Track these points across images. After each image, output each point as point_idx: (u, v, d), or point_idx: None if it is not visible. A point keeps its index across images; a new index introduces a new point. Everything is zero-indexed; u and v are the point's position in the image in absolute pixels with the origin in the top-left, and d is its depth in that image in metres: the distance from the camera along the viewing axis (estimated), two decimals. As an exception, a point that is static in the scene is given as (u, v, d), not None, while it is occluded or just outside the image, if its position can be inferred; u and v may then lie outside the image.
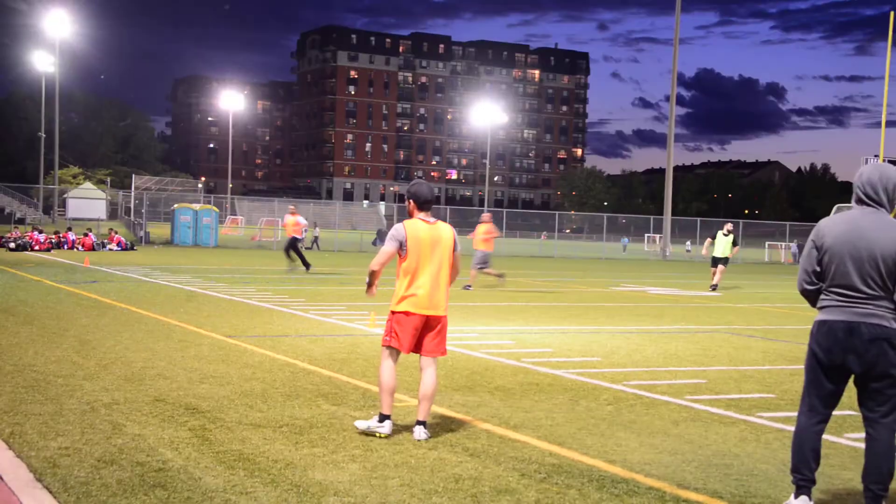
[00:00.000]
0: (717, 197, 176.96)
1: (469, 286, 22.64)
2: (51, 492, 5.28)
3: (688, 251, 69.80)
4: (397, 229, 6.97)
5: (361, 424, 6.93)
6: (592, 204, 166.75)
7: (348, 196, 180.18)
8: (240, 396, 8.32)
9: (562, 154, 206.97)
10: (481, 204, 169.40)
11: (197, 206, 51.31)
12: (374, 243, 53.23)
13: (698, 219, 67.71)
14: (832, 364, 5.18)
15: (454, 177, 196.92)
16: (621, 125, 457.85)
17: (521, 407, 8.38)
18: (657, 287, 28.53)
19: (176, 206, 51.42)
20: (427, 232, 6.97)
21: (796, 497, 5.37)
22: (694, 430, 7.69)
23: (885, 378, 5.05)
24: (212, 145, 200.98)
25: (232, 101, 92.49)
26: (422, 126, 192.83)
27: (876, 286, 5.08)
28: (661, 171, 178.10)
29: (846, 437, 7.65)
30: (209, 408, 7.78)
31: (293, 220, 28.15)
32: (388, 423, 6.90)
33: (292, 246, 27.94)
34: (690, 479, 6.16)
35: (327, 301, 18.59)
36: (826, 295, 5.27)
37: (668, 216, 62.71)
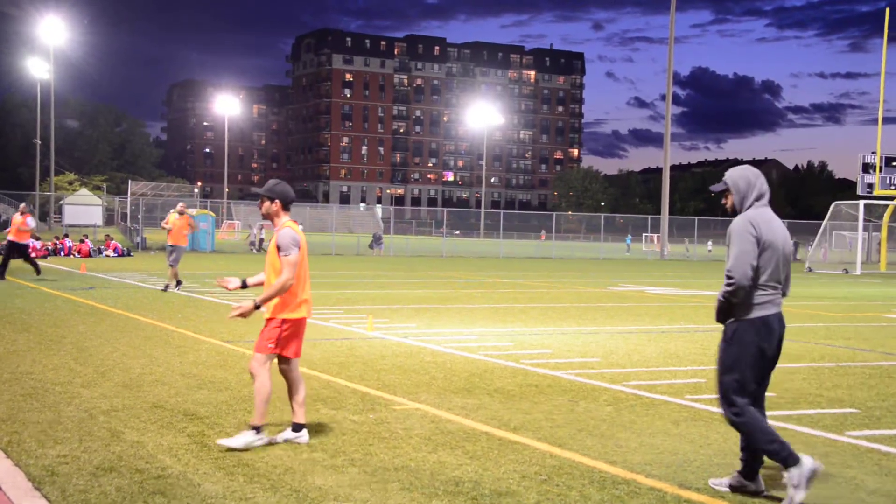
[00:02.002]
0: (714, 196, 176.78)
1: (169, 285, 20.63)
2: (49, 500, 5.26)
3: (686, 251, 69.67)
4: (292, 234, 6.66)
5: (236, 442, 6.51)
6: (590, 204, 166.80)
7: (345, 199, 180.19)
8: (238, 402, 8.31)
9: (558, 154, 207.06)
10: (478, 206, 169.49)
11: (193, 212, 51.26)
12: (370, 246, 53.15)
13: (696, 218, 67.77)
14: (772, 356, 5.69)
15: (451, 179, 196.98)
16: (617, 125, 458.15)
17: (521, 409, 8.37)
18: (656, 287, 28.54)
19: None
20: (302, 234, 6.89)
21: (799, 462, 5.45)
22: (695, 429, 7.69)
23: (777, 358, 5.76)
24: (207, 150, 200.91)
25: (227, 106, 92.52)
26: (418, 128, 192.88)
27: (783, 279, 5.74)
28: (658, 171, 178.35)
29: (847, 434, 7.64)
30: (208, 413, 7.76)
31: (20, 219, 23.20)
32: (264, 433, 6.65)
33: (15, 253, 23.20)
34: (692, 479, 6.16)
35: (325, 304, 18.57)
36: (763, 290, 5.60)
37: (665, 216, 62.73)
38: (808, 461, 5.49)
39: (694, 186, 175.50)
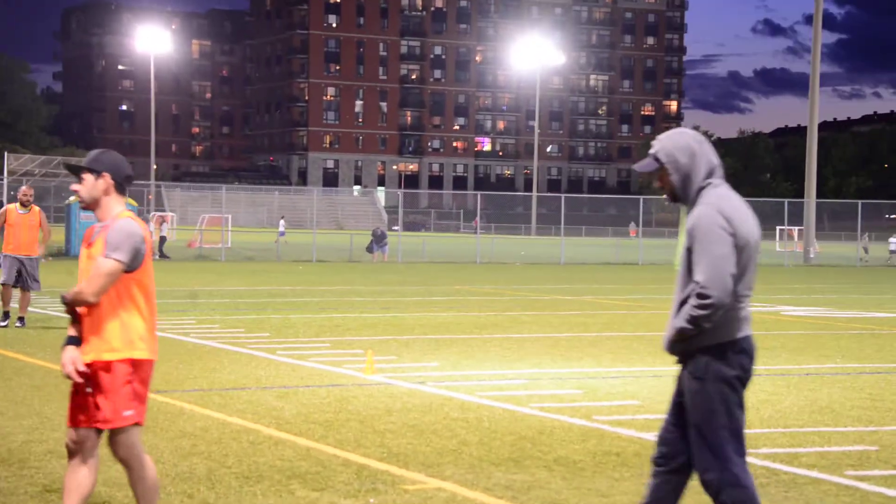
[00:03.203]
0: (888, 167, 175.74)
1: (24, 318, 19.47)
2: None
3: (865, 253, 69.03)
4: (134, 230, 6.43)
5: None
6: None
7: (330, 180, 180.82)
8: (174, 481, 8.34)
9: (648, 109, 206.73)
10: (527, 187, 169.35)
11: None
12: (369, 249, 53.29)
13: (859, 201, 67.32)
14: (746, 384, 6.03)
15: (487, 148, 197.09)
16: (737, 63, 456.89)
17: (595, 489, 8.37)
18: (797, 306, 28.40)
19: (72, 198, 51.63)
20: (148, 233, 6.67)
21: None
22: (857, 519, 7.65)
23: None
24: (124, 107, 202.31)
25: (154, 41, 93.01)
26: (437, 73, 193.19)
27: (753, 282, 6.06)
28: (800, 131, 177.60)
29: None
30: (128, 500, 7.76)
31: None
32: None
33: None
34: None
35: (302, 336, 18.58)
36: (740, 302, 5.93)
37: (811, 199, 62.39)
38: None
39: (857, 154, 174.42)
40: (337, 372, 14.35)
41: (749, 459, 9.37)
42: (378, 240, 52.87)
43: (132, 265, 6.40)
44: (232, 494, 7.94)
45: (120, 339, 6.42)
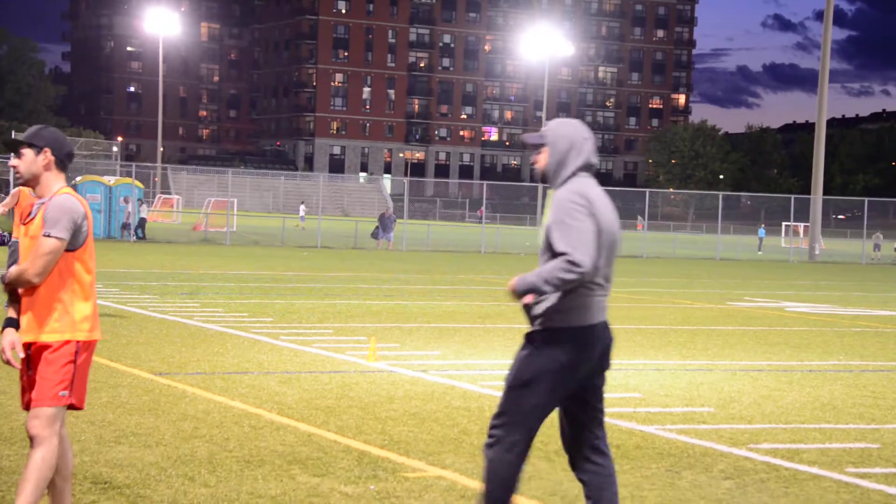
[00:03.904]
0: (895, 166, 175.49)
1: None
2: None
3: (876, 251, 68.84)
4: (73, 205, 6.26)
5: None
6: (702, 177, 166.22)
7: (337, 166, 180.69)
8: (175, 464, 8.36)
9: (656, 102, 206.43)
10: (534, 178, 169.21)
11: (111, 180, 51.58)
12: (374, 235, 53.27)
13: (866, 199, 67.35)
14: (589, 374, 6.27)
15: (494, 137, 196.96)
16: (746, 58, 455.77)
17: (596, 481, 8.35)
18: (801, 303, 28.39)
19: (79, 179, 51.66)
20: (88, 209, 6.52)
21: None
22: (857, 517, 7.66)
23: (607, 368, 6.41)
24: (132, 89, 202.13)
25: (162, 24, 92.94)
26: (446, 61, 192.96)
27: (610, 275, 6.29)
28: (808, 127, 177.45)
29: None
30: (129, 481, 7.81)
31: None
32: None
33: None
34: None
35: (306, 321, 18.61)
36: (589, 289, 6.11)
37: (818, 195, 62.36)
38: None
39: (865, 152, 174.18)
40: (339, 358, 14.37)
41: (750, 454, 9.42)
42: (384, 226, 52.78)
43: (74, 243, 6.23)
44: (233, 478, 7.96)
45: (61, 319, 6.23)
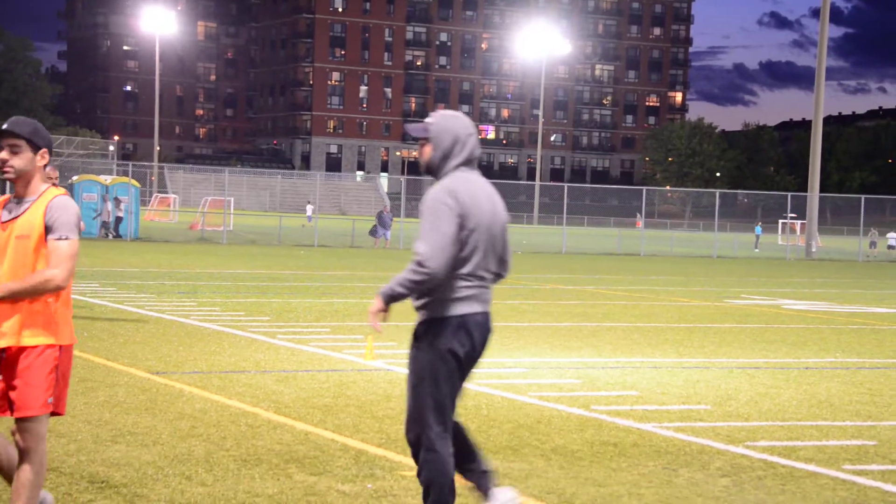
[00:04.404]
0: (892, 162, 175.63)
1: None
2: None
3: (872, 248, 68.80)
4: (76, 206, 6.16)
5: None
6: (699, 175, 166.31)
7: (334, 164, 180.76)
8: (172, 463, 8.36)
9: (653, 100, 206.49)
10: (531, 176, 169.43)
11: (108, 180, 51.55)
12: (372, 233, 53.24)
13: (862, 196, 67.35)
14: (469, 364, 6.44)
15: (491, 136, 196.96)
16: (743, 55, 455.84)
17: (592, 478, 8.38)
18: (798, 300, 28.42)
19: (75, 178, 51.68)
20: None
21: None
22: (853, 514, 7.66)
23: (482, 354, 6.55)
24: (129, 88, 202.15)
25: (159, 22, 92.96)
26: (443, 60, 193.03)
27: (496, 266, 6.50)
28: (805, 125, 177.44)
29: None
30: (126, 480, 7.80)
31: None
32: None
33: None
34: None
35: (303, 320, 18.60)
36: (465, 281, 6.31)
37: (815, 192, 62.36)
38: None
39: (861, 149, 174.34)
40: (336, 357, 14.37)
41: (747, 452, 9.42)
42: (382, 224, 52.74)
43: None
44: (230, 477, 7.96)
45: (45, 324, 6.01)
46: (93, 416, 9.96)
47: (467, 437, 6.67)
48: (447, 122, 6.39)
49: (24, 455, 6.02)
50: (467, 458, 6.59)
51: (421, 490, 6.39)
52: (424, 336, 6.31)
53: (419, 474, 6.35)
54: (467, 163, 6.38)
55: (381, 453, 8.93)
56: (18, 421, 5.98)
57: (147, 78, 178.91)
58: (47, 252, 5.97)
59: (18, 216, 6.03)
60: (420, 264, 6.08)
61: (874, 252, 67.21)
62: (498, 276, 6.54)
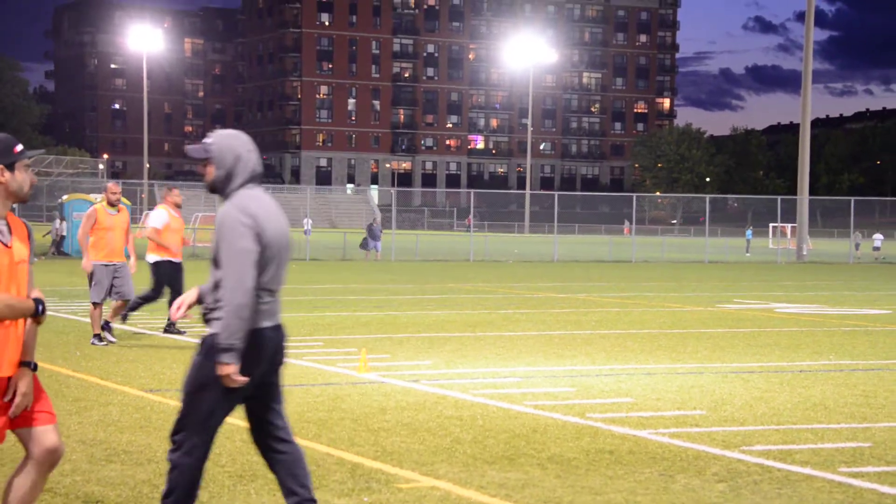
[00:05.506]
0: (881, 164, 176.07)
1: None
2: None
3: (855, 249, 68.91)
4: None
5: None
6: (688, 181, 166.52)
7: (324, 178, 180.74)
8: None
9: (640, 107, 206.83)
10: (521, 185, 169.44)
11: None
12: (363, 246, 53.22)
13: (852, 198, 67.47)
14: (263, 378, 6.61)
15: (480, 146, 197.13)
16: (729, 60, 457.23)
17: (589, 487, 8.38)
18: (790, 304, 28.45)
19: (65, 197, 51.61)
20: None
21: None
22: (851, 516, 7.66)
23: (280, 366, 6.78)
24: (117, 106, 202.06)
25: (146, 39, 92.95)
26: (430, 71, 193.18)
27: (282, 278, 6.72)
28: (792, 128, 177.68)
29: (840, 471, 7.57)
30: (121, 499, 7.80)
31: None
32: None
33: None
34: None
35: (296, 334, 18.55)
36: (261, 298, 6.48)
37: (804, 196, 62.47)
38: None
39: (849, 151, 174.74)
40: (330, 370, 14.35)
41: (742, 457, 9.42)
42: (372, 237, 52.74)
43: None
44: (225, 493, 7.94)
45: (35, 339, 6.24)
46: (87, 435, 9.94)
47: (303, 464, 6.74)
48: (227, 141, 6.46)
49: (57, 458, 6.28)
50: (296, 483, 6.69)
51: (165, 489, 6.49)
52: (211, 348, 6.32)
53: (170, 472, 6.41)
54: (251, 180, 6.48)
55: (377, 466, 8.92)
56: (51, 426, 6.17)
57: (135, 96, 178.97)
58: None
59: (14, 239, 5.84)
60: (237, 290, 6.22)
61: (857, 254, 67.30)
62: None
